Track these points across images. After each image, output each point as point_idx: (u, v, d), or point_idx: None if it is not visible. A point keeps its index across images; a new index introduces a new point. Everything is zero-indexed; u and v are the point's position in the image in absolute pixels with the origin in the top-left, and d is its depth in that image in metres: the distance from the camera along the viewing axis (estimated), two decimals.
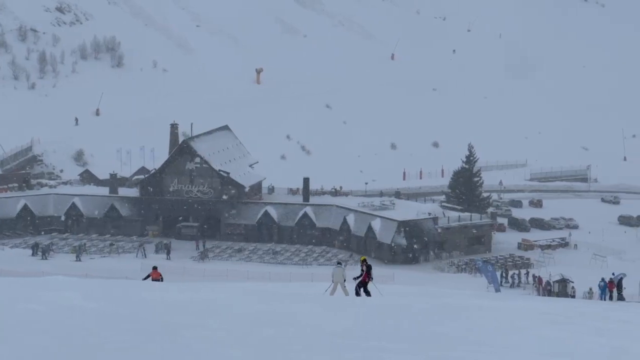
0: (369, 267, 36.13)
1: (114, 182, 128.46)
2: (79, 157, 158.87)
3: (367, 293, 35.52)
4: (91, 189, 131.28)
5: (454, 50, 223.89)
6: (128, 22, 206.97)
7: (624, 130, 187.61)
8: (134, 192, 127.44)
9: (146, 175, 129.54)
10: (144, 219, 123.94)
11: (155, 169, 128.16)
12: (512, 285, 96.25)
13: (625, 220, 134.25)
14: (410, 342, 19.77)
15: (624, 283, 60.47)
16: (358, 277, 36.13)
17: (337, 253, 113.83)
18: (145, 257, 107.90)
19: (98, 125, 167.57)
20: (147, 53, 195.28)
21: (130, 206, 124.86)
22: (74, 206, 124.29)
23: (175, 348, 17.44)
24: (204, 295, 29.95)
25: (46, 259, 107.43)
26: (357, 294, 35.62)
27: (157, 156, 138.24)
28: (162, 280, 46.31)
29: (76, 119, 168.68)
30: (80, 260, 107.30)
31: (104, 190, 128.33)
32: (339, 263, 40.63)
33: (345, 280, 36.92)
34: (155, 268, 42.62)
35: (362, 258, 38.10)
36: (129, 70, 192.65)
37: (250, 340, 18.77)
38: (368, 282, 35.82)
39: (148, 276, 41.72)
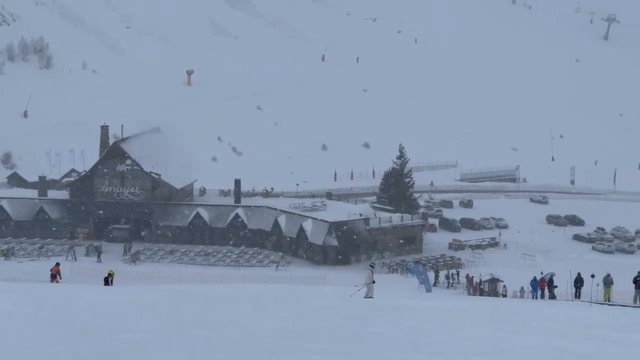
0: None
1: (43, 184, 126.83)
2: (6, 159, 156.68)
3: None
4: (19, 192, 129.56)
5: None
6: (57, 23, 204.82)
7: (551, 131, 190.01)
8: (63, 195, 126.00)
9: (76, 178, 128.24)
10: (74, 222, 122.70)
11: (85, 171, 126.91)
12: (448, 286, 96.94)
13: (553, 220, 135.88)
14: (344, 342, 19.87)
15: (554, 281, 61.24)
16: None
17: (268, 254, 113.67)
18: (76, 259, 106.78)
19: (26, 127, 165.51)
20: (77, 54, 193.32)
21: (60, 209, 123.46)
22: (1, 209, 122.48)
23: (107, 351, 17.34)
24: (136, 297, 29.81)
25: None
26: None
27: (87, 158, 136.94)
28: (60, 277, 48.20)
29: None
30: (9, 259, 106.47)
31: (33, 193, 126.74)
32: (371, 265, 41.56)
33: (374, 282, 38.11)
34: (57, 264, 45.40)
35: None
36: (57, 71, 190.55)
37: (184, 342, 18.73)
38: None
39: (106, 282, 43.58)
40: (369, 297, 37.04)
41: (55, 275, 49.84)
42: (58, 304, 26.20)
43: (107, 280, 45.74)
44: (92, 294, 30.48)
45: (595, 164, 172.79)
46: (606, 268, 66.45)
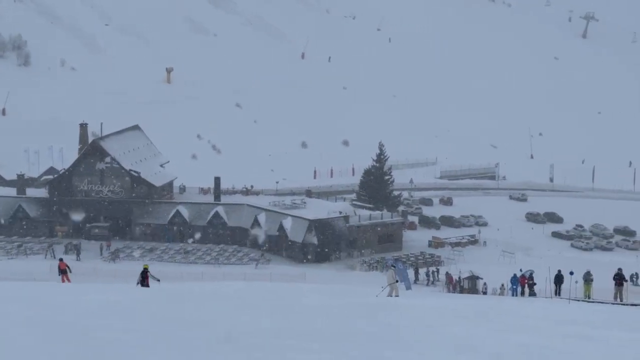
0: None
1: (22, 182, 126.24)
2: None
3: None
4: None
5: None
6: (34, 20, 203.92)
7: (530, 129, 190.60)
8: (42, 193, 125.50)
9: (55, 176, 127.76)
10: (53, 220, 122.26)
11: (64, 169, 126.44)
12: (428, 283, 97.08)
13: (532, 217, 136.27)
14: (324, 341, 19.87)
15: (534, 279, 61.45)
16: None
17: (248, 252, 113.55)
18: (55, 258, 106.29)
19: (4, 125, 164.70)
20: (55, 52, 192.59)
21: (39, 207, 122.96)
22: None
23: (84, 351, 17.27)
24: (115, 296, 29.72)
25: None
26: None
27: (66, 156, 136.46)
28: (69, 270, 46.64)
29: None
30: None
31: (11, 191, 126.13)
32: (392, 266, 44.47)
33: (397, 282, 40.49)
34: (61, 260, 43.41)
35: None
36: (36, 69, 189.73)
37: (162, 341, 18.69)
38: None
39: (143, 280, 41.24)
40: (395, 296, 38.84)
41: (65, 271, 47.97)
42: (35, 302, 26.09)
43: (144, 277, 41.71)
44: (70, 293, 30.37)
45: (583, 162, 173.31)
46: (585, 265, 66.75)
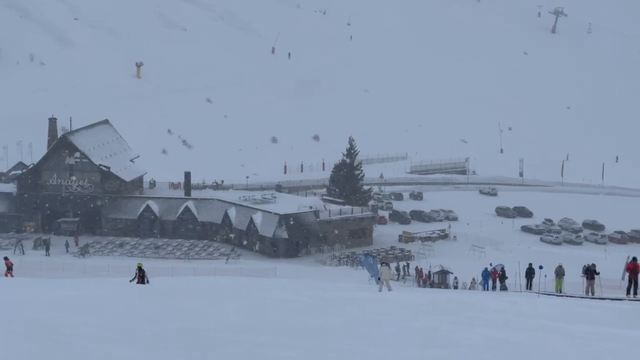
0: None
1: None
2: None
3: None
4: None
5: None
6: (3, 14, 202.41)
7: (500, 124, 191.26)
8: (10, 188, 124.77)
9: (24, 171, 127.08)
10: (22, 215, 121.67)
11: (33, 163, 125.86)
12: (398, 278, 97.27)
13: (502, 212, 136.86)
14: (292, 335, 19.88)
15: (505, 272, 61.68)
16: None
17: (218, 247, 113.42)
18: (23, 253, 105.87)
19: None
20: (24, 46, 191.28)
21: (7, 202, 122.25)
22: None
23: (51, 346, 17.20)
24: (84, 291, 29.62)
25: None
26: None
27: (35, 151, 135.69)
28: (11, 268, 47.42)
29: None
30: None
31: None
32: (384, 263, 46.74)
33: (392, 278, 42.67)
34: (6, 258, 43.93)
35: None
36: (4, 63, 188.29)
37: (132, 336, 18.64)
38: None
39: (135, 278, 41.09)
40: (389, 291, 40.49)
41: (10, 268, 49.76)
42: (2, 298, 25.94)
43: (140, 276, 41.04)
44: (39, 288, 30.22)
45: (567, 158, 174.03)
46: (554, 259, 67.11)
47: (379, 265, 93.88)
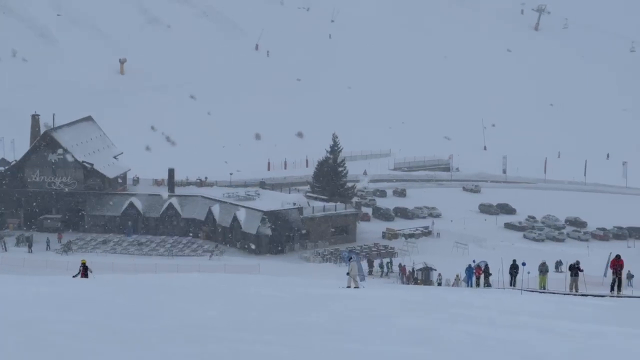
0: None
1: None
2: None
3: None
4: None
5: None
6: None
7: (483, 120, 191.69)
8: None
9: (6, 167, 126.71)
10: (4, 212, 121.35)
11: (15, 160, 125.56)
12: (382, 275, 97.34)
13: (485, 209, 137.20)
14: (274, 332, 19.82)
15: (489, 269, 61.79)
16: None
17: (202, 244, 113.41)
18: (6, 250, 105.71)
19: None
20: (6, 42, 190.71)
21: None
22: None
23: (34, 343, 17.08)
24: (67, 288, 29.48)
25: None
26: None
27: (17, 148, 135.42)
28: None
29: None
30: None
31: None
32: (350, 258, 46.48)
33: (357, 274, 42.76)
34: None
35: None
36: None
37: (113, 333, 18.53)
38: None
39: (78, 273, 42.80)
40: (355, 287, 40.61)
41: None
42: None
43: (83, 272, 42.99)
44: (20, 285, 30.07)
45: (559, 155, 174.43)
46: (537, 256, 67.32)
47: (363, 262, 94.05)
